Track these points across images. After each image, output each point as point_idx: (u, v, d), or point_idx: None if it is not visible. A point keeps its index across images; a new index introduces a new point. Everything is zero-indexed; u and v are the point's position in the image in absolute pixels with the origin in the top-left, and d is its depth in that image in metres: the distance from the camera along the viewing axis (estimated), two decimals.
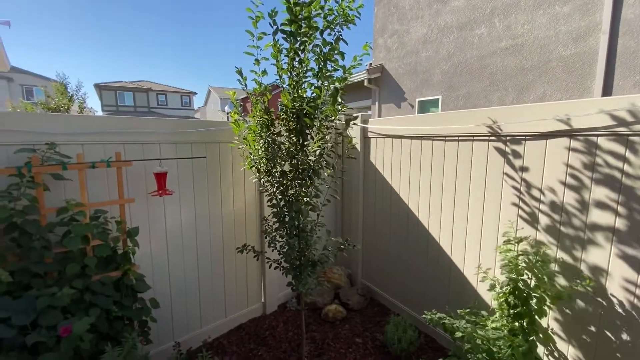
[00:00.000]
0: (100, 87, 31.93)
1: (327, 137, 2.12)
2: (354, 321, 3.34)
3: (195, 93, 36.77)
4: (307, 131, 2.25)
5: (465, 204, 2.65)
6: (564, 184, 2.05)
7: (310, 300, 3.52)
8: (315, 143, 2.05)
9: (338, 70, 2.18)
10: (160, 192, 2.30)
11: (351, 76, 2.21)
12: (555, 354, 2.15)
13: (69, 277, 1.95)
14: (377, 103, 9.21)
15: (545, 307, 1.97)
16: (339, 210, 4.08)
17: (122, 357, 1.60)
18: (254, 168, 2.44)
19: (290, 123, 2.29)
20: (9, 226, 1.82)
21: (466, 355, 2.03)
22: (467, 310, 2.27)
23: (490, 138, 2.42)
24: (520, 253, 2.08)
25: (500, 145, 2.37)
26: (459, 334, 2.00)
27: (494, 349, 1.89)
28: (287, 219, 2.42)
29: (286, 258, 2.37)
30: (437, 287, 2.97)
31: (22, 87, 25.42)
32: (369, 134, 3.56)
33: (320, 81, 2.09)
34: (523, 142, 2.24)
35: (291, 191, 2.37)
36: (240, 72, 2.33)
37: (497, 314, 2.12)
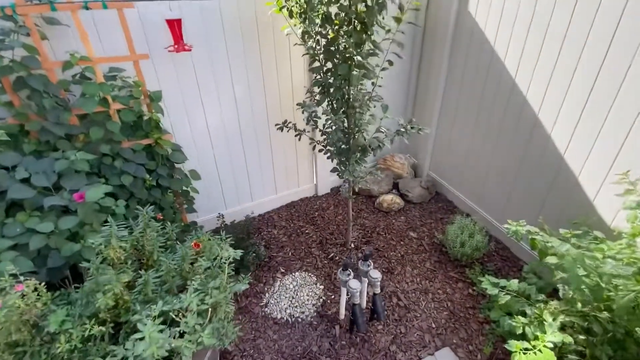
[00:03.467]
0: None
1: None
2: (411, 214, 2.98)
3: None
4: None
5: (621, 70, 1.65)
6: None
7: (364, 187, 3.19)
8: None
9: None
10: (176, 46, 1.85)
11: None
12: None
13: (94, 141, 1.83)
14: None
15: None
16: (412, 83, 3.22)
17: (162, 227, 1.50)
18: (284, 9, 1.74)
19: None
20: (17, 81, 1.64)
21: (555, 282, 1.53)
22: (575, 222, 1.64)
23: None
24: None
25: None
26: (553, 259, 1.45)
27: (606, 287, 1.33)
28: (332, 89, 1.83)
29: (329, 140, 1.89)
30: (531, 191, 2.28)
31: None
32: None
33: None
34: None
35: (339, 47, 1.69)
36: None
37: (625, 241, 1.46)
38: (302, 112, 1.83)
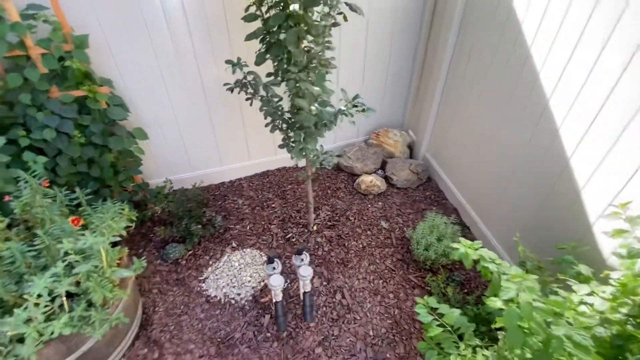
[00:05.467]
0: None
1: None
2: (391, 201, 2.64)
3: None
4: None
5: None
6: None
7: (346, 164, 2.86)
8: None
9: None
10: None
11: None
12: None
13: (12, 89, 1.67)
14: None
15: None
16: (419, 52, 2.69)
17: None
18: None
19: None
20: None
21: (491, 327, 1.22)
22: (561, 247, 1.28)
23: None
24: None
25: None
26: (495, 302, 1.13)
27: (554, 353, 0.99)
28: (274, 40, 1.47)
29: (266, 110, 1.57)
30: (525, 194, 1.85)
31: None
32: None
33: None
34: None
35: None
36: None
37: (610, 290, 1.09)
38: (233, 72, 1.51)
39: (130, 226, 1.60)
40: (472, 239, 1.38)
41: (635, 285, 1.04)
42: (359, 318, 1.88)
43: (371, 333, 1.81)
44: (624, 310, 1.03)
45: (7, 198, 1.37)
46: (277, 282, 1.58)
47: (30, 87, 1.72)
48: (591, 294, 1.20)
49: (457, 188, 2.52)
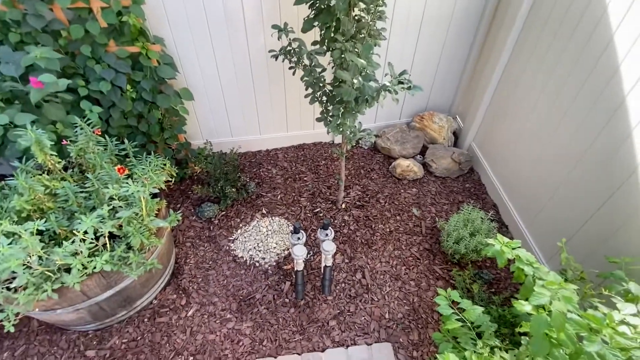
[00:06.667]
0: None
1: None
2: (426, 188, 2.54)
3: None
4: None
5: None
6: None
7: (384, 145, 2.76)
8: None
9: None
10: None
11: None
12: None
13: (74, 40, 1.77)
14: None
15: None
16: (479, 34, 2.45)
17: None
18: None
19: None
20: None
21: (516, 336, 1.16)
22: (612, 260, 1.18)
23: None
24: None
25: None
26: (524, 306, 1.06)
27: None
28: (324, 5, 1.40)
29: (306, 80, 1.53)
30: (581, 197, 1.68)
31: None
32: None
33: None
34: None
35: None
36: None
37: None
38: (279, 38, 1.47)
39: (170, 181, 1.70)
40: (510, 239, 1.29)
41: None
42: (376, 299, 1.88)
43: (387, 316, 1.81)
44: None
45: (64, 142, 1.50)
46: (300, 252, 1.62)
47: (91, 39, 1.82)
48: (636, 314, 1.09)
49: (501, 184, 2.35)
